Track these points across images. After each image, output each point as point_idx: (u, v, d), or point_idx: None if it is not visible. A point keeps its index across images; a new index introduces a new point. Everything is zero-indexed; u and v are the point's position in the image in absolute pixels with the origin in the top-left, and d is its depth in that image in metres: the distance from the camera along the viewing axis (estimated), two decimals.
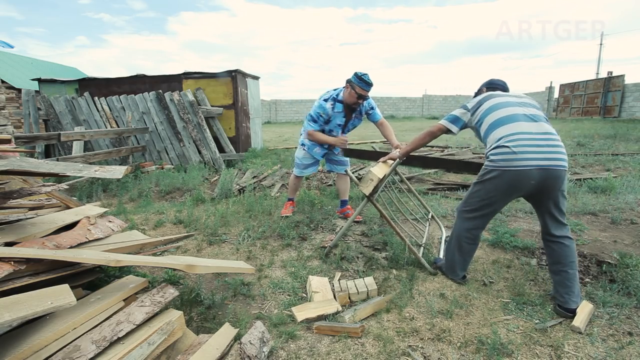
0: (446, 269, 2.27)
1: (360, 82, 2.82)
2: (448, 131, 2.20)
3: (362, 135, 12.24)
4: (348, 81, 2.89)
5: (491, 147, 1.90)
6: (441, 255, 2.54)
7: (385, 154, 2.69)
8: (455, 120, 2.17)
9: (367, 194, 2.30)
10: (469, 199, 2.07)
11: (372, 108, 3.13)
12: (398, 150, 2.51)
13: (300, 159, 3.34)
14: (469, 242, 2.12)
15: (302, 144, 3.32)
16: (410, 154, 2.47)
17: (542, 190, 1.84)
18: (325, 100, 3.02)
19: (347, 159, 3.37)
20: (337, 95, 3.01)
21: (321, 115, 3.02)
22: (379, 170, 2.32)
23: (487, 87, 2.33)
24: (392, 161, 2.51)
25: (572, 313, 1.83)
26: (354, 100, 2.89)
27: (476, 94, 2.34)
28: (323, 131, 3.13)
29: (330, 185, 4.79)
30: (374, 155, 2.91)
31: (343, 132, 3.20)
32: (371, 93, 3.01)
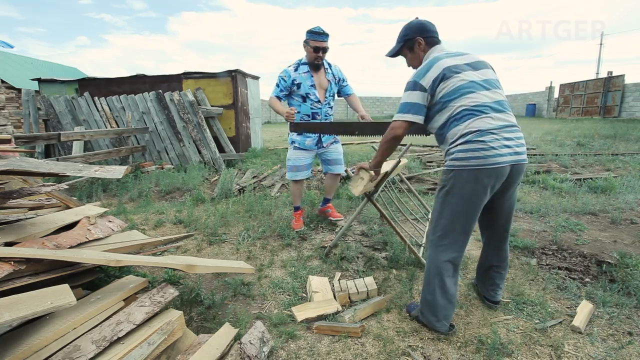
0: (427, 318, 1.74)
1: (311, 35, 2.80)
2: (412, 125, 1.72)
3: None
4: (304, 42, 2.88)
5: (458, 142, 1.58)
6: None
7: (343, 125, 2.72)
8: (420, 109, 1.68)
9: (356, 195, 2.19)
10: (439, 220, 1.69)
11: (343, 80, 3.11)
12: (368, 161, 2.05)
13: (293, 160, 3.06)
14: (452, 274, 1.69)
15: (292, 141, 3.06)
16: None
17: (507, 186, 1.65)
18: (289, 67, 2.97)
19: (340, 159, 3.19)
20: (301, 60, 2.98)
21: (283, 79, 2.91)
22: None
23: (424, 37, 1.81)
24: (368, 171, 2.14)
25: (499, 303, 1.96)
26: (313, 55, 2.85)
27: (405, 41, 1.86)
28: (299, 98, 2.97)
29: None
30: (326, 128, 2.77)
31: (325, 99, 3.00)
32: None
